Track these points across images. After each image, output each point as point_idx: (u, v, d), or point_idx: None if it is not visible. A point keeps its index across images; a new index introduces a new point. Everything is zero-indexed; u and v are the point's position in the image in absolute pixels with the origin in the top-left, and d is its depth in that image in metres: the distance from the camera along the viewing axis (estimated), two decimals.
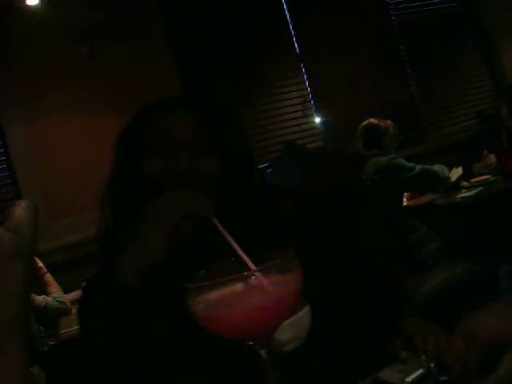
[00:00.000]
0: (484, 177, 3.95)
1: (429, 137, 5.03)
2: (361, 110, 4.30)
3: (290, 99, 4.65)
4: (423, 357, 1.04)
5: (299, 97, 4.67)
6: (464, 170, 4.04)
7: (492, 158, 4.01)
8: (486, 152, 4.15)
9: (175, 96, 1.19)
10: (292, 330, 0.97)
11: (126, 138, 1.14)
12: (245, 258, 0.73)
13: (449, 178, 3.72)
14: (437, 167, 3.56)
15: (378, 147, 3.55)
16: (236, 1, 4.46)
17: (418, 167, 3.39)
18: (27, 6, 3.70)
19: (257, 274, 0.68)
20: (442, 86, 5.19)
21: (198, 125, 1.11)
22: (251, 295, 0.67)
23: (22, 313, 0.47)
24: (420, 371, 1.00)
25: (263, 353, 0.71)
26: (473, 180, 3.98)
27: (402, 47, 5.07)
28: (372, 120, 3.68)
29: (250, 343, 0.71)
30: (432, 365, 1.00)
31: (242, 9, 4.47)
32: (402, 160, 3.45)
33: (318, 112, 4.70)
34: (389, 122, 3.65)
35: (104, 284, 0.96)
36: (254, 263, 0.72)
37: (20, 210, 0.48)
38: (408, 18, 5.13)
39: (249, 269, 0.71)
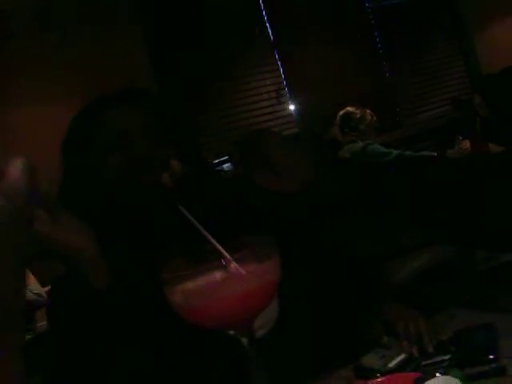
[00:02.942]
0: None
1: (404, 123, 5.05)
2: (336, 96, 4.30)
3: (264, 86, 4.62)
4: (405, 342, 1.03)
5: (273, 84, 4.64)
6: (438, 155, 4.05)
7: (466, 144, 4.03)
8: (460, 138, 4.18)
9: (119, 91, 1.16)
10: (261, 315, 0.95)
11: (76, 138, 1.11)
12: (218, 247, 0.71)
13: None
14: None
15: (354, 134, 3.58)
16: None
17: (395, 153, 3.41)
18: None
19: (233, 262, 0.66)
20: (417, 73, 5.22)
21: (147, 117, 1.10)
22: (230, 284, 0.65)
23: (16, 293, 0.40)
24: (402, 356, 0.99)
25: (244, 340, 0.69)
26: None
27: (376, 34, 5.07)
28: (349, 108, 3.70)
29: (231, 332, 0.69)
30: (414, 350, 1.00)
31: None
32: (378, 146, 3.46)
33: (293, 99, 4.68)
34: (367, 110, 3.67)
35: (76, 285, 0.91)
36: (233, 251, 0.70)
37: (15, 170, 0.42)
38: (383, 4, 5.13)
39: (224, 257, 0.69)
